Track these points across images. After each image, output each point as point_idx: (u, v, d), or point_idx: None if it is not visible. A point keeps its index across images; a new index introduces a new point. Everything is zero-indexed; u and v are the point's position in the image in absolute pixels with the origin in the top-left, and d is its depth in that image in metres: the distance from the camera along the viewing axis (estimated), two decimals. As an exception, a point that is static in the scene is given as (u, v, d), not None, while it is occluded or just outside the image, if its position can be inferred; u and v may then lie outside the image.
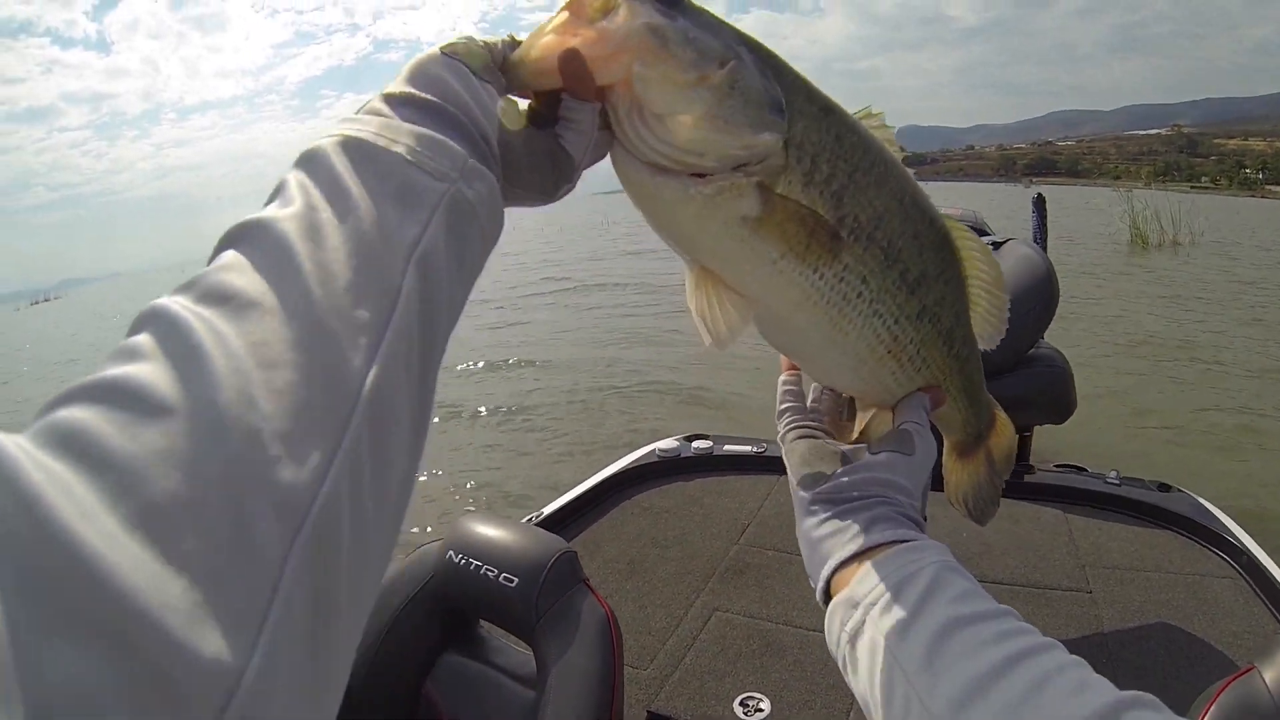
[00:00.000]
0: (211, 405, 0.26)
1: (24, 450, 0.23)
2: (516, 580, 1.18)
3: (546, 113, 0.46)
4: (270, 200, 0.36)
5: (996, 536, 2.18)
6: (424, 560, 1.31)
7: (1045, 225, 2.92)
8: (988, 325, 0.60)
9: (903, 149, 0.55)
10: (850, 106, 0.53)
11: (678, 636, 1.85)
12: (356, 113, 0.40)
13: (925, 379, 0.58)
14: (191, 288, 0.31)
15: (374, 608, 1.07)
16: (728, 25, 0.47)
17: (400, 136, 0.37)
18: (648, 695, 1.66)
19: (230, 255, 0.32)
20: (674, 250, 0.52)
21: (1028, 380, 1.91)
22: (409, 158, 0.37)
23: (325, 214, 0.34)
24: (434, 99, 0.40)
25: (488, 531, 1.27)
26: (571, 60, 0.43)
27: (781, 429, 0.63)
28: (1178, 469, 4.43)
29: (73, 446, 0.24)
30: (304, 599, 0.26)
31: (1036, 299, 1.95)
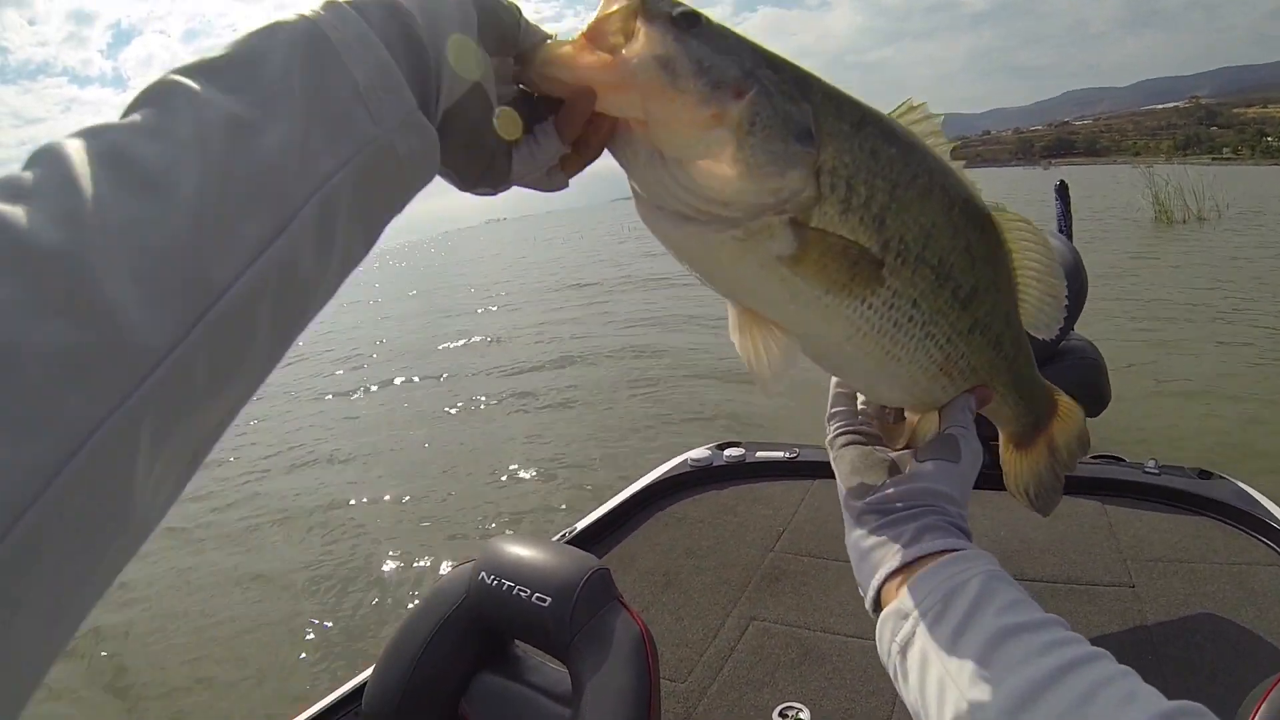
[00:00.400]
0: (71, 270, 0.26)
1: None
2: (549, 600, 1.18)
3: (523, 115, 0.44)
4: (214, 58, 0.34)
5: (1035, 533, 2.14)
6: (457, 581, 1.31)
7: (1069, 213, 2.85)
8: (1043, 314, 0.58)
9: (952, 143, 0.51)
10: (863, 100, 0.48)
11: (715, 648, 1.83)
12: None
13: (973, 383, 0.57)
14: (98, 137, 0.30)
15: (409, 628, 1.08)
16: (747, 43, 0.44)
17: (365, 59, 0.36)
18: (686, 709, 1.65)
19: (148, 117, 0.31)
20: (715, 292, 0.49)
21: (1060, 375, 1.85)
22: (360, 89, 0.35)
23: (256, 114, 0.32)
24: (421, 39, 0.38)
25: (519, 551, 1.27)
26: (582, 98, 0.42)
27: (831, 433, 0.62)
28: (1213, 443, 4.37)
29: None
30: (84, 497, 0.25)
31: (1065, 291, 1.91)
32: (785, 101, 0.43)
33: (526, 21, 0.43)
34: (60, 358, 0.25)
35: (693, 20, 0.42)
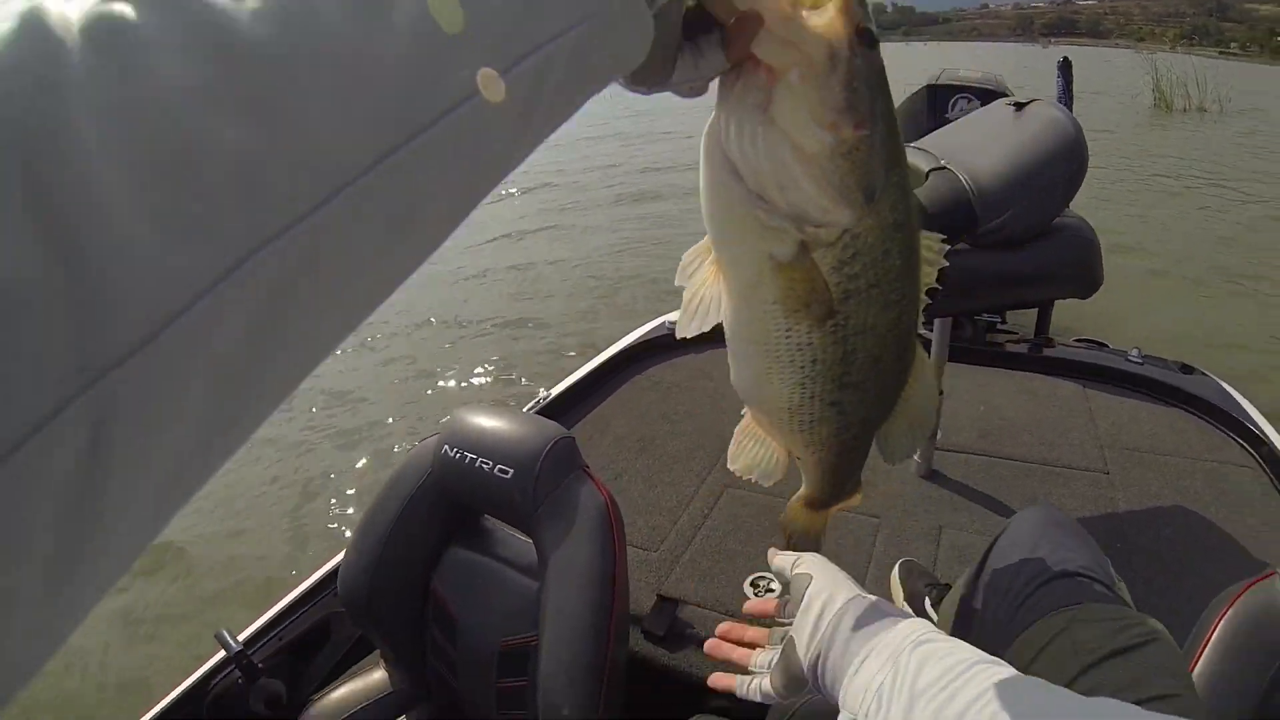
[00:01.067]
0: (271, 72, 0.24)
1: (70, 32, 0.21)
2: (511, 471, 1.14)
3: (693, 26, 0.42)
4: None
5: (1015, 412, 2.15)
6: (422, 457, 1.28)
7: (1071, 90, 2.72)
8: (895, 445, 0.66)
9: (943, 268, 0.56)
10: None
11: (689, 515, 1.83)
12: None
13: (810, 435, 0.62)
14: None
15: (377, 508, 1.06)
16: (887, 85, 0.47)
17: None
18: (657, 578, 1.65)
19: None
20: (705, 225, 0.52)
21: (1052, 252, 1.78)
22: None
23: None
24: None
25: (482, 422, 1.22)
26: (753, 25, 0.41)
27: (747, 688, 0.71)
28: (1192, 329, 4.38)
29: (111, 43, 0.22)
30: (264, 290, 0.24)
31: (1064, 165, 1.79)
32: (879, 162, 0.46)
33: None
34: (242, 161, 0.23)
35: (873, 43, 0.44)
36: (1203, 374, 2.22)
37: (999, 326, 2.62)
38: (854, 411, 0.60)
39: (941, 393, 1.78)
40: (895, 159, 0.48)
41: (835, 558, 1.65)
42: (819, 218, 0.46)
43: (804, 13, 0.42)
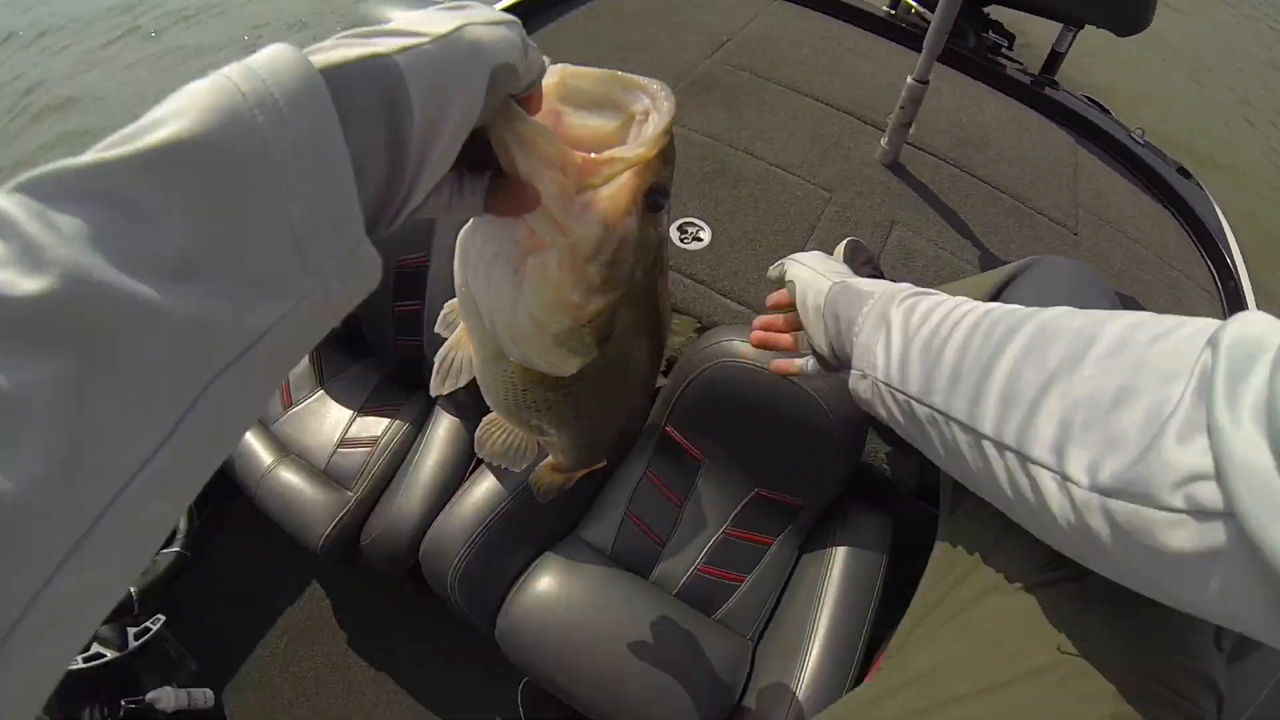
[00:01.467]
0: None
1: None
2: None
3: (470, 156, 0.34)
4: (79, 175, 0.21)
5: (999, 136, 2.00)
6: None
7: None
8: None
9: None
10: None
11: None
12: (313, 52, 0.26)
13: (552, 443, 0.66)
14: None
15: None
16: (658, 237, 0.43)
17: (316, 182, 0.24)
18: None
19: None
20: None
21: None
22: (296, 228, 0.24)
23: (139, 307, 0.21)
24: (407, 137, 0.28)
25: None
26: (530, 200, 0.35)
27: (806, 366, 0.76)
28: (1196, 136, 4.14)
29: None
30: None
31: None
32: (625, 313, 0.45)
33: (533, 49, 0.34)
34: None
35: (659, 206, 0.40)
36: (1199, 185, 2.08)
37: (1004, 50, 2.40)
38: (591, 430, 0.62)
39: (926, 82, 1.59)
40: (646, 290, 0.46)
41: (779, 219, 1.55)
42: (545, 370, 0.46)
43: (585, 196, 0.37)
